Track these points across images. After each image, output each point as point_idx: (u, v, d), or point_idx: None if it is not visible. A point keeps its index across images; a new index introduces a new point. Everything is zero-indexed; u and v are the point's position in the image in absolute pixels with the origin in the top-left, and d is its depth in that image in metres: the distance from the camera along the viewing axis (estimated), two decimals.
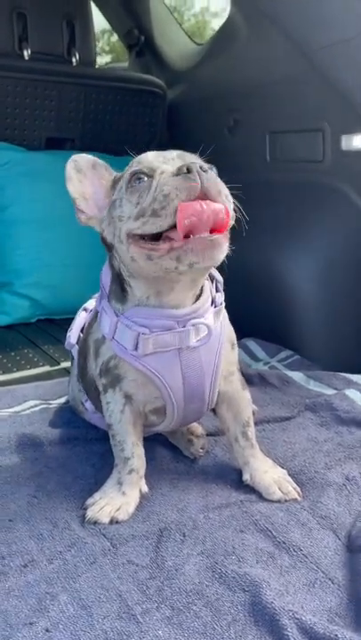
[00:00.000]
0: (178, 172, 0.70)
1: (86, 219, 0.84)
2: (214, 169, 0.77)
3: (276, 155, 1.64)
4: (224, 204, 0.70)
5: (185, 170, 0.69)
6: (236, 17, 1.65)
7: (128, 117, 1.97)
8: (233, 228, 0.76)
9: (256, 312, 1.51)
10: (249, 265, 1.56)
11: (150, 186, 0.72)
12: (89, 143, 1.94)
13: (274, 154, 1.64)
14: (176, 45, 2.15)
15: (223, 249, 0.71)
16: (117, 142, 1.98)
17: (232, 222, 0.73)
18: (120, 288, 0.83)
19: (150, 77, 2.01)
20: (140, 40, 2.22)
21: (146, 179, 0.74)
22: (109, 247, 0.83)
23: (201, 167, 0.69)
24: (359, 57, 1.28)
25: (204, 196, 0.68)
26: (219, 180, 0.71)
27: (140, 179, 0.74)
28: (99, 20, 2.00)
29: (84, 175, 0.83)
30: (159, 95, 1.98)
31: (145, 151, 2.04)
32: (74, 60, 1.87)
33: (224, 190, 0.71)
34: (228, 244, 0.72)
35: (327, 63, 1.37)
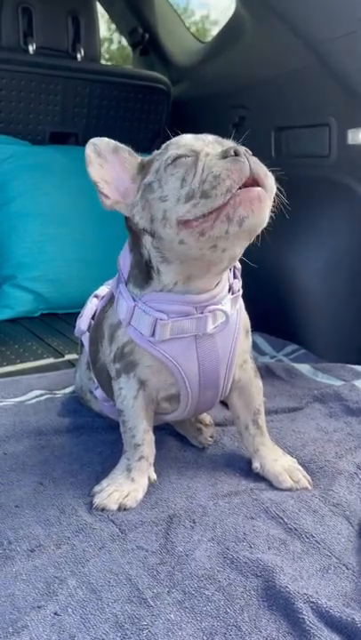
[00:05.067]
0: (225, 155, 0.69)
1: (112, 202, 0.81)
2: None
3: (282, 151, 1.63)
4: (270, 190, 0.70)
5: (232, 152, 0.68)
6: (241, 12, 1.65)
7: (132, 113, 1.97)
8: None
9: (262, 306, 1.49)
10: (255, 260, 1.55)
11: (196, 167, 0.70)
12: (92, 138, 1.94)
13: (279, 150, 1.64)
14: (180, 43, 2.16)
15: (267, 205, 0.70)
16: (121, 138, 1.96)
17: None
18: (144, 274, 0.81)
19: (155, 74, 2.01)
20: (144, 38, 2.22)
21: (189, 159, 0.72)
22: (138, 232, 0.80)
23: (247, 151, 0.69)
24: None
25: (252, 177, 0.68)
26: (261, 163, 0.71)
27: (183, 159, 0.72)
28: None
29: (105, 159, 0.80)
30: (163, 91, 1.98)
31: (149, 148, 2.03)
32: (78, 55, 1.87)
33: (269, 172, 0.70)
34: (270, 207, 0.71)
35: (333, 56, 1.37)
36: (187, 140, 0.75)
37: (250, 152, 0.70)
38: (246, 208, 0.68)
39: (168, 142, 0.78)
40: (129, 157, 0.81)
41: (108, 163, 0.80)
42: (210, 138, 0.76)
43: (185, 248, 0.74)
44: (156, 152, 0.79)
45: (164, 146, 0.78)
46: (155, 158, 0.78)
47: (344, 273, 1.43)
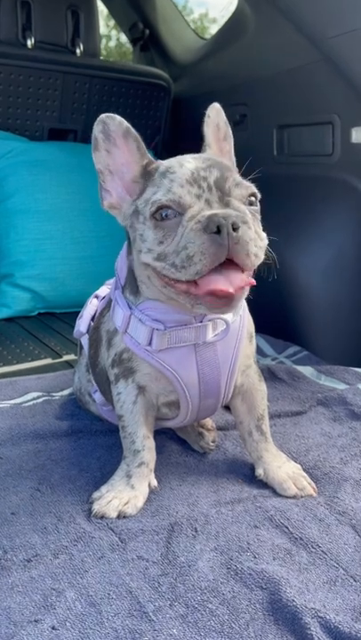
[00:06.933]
0: (206, 228, 0.63)
1: (109, 205, 0.76)
2: (258, 195, 0.71)
3: (284, 149, 1.61)
4: (250, 269, 0.65)
5: (215, 229, 0.62)
6: (243, 8, 1.63)
7: (132, 110, 1.94)
8: None
9: (264, 307, 1.47)
10: None
11: (177, 230, 0.65)
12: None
13: (281, 148, 1.62)
14: (181, 39, 2.13)
15: (238, 305, 0.67)
16: None
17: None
18: (135, 282, 0.78)
19: (155, 70, 1.99)
20: (144, 34, 2.20)
21: (174, 216, 0.66)
22: (129, 239, 0.77)
23: (233, 224, 0.62)
24: None
25: (230, 256, 0.63)
26: (250, 235, 0.64)
27: (167, 213, 0.67)
28: None
29: (114, 144, 0.72)
30: (164, 88, 1.95)
31: (149, 145, 1.96)
32: (78, 50, 1.85)
33: (253, 249, 0.64)
34: (245, 294, 0.68)
35: (337, 53, 1.35)
36: (178, 188, 0.67)
37: (240, 223, 0.63)
38: (211, 311, 0.67)
39: (169, 166, 0.70)
40: (136, 152, 0.74)
41: (116, 148, 0.73)
42: (211, 179, 0.67)
43: (151, 284, 0.73)
44: (161, 166, 0.72)
45: (164, 166, 0.71)
46: (154, 177, 0.71)
47: (348, 272, 1.41)
